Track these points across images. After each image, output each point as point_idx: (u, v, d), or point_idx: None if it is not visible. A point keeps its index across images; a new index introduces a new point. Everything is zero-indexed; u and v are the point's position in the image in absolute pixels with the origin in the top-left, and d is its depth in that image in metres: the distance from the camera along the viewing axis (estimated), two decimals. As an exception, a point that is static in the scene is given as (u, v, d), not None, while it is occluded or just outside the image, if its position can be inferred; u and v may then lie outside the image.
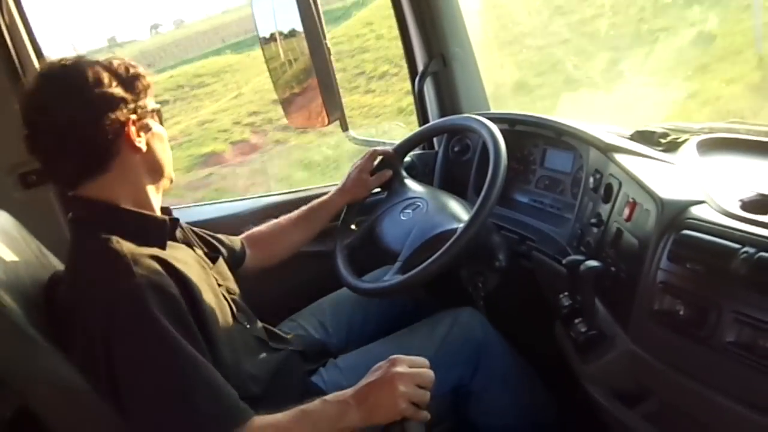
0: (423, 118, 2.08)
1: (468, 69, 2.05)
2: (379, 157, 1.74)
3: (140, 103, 1.21)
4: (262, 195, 2.27)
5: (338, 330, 1.63)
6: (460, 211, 1.53)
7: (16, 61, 1.71)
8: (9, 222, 1.30)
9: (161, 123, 1.28)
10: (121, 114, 1.16)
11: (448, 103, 2.05)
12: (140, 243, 1.15)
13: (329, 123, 1.79)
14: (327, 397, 1.12)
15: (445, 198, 1.60)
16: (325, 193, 2.02)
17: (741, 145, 1.33)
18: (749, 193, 1.07)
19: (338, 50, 11.43)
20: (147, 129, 1.22)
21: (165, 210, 1.30)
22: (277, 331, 1.49)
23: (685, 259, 1.03)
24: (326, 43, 1.72)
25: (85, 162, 1.17)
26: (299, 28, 1.68)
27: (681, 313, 1.02)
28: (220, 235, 1.53)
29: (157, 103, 1.27)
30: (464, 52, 2.02)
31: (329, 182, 2.03)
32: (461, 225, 1.42)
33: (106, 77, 1.16)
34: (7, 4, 1.68)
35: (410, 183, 1.71)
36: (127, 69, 1.21)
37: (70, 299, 1.13)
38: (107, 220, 1.17)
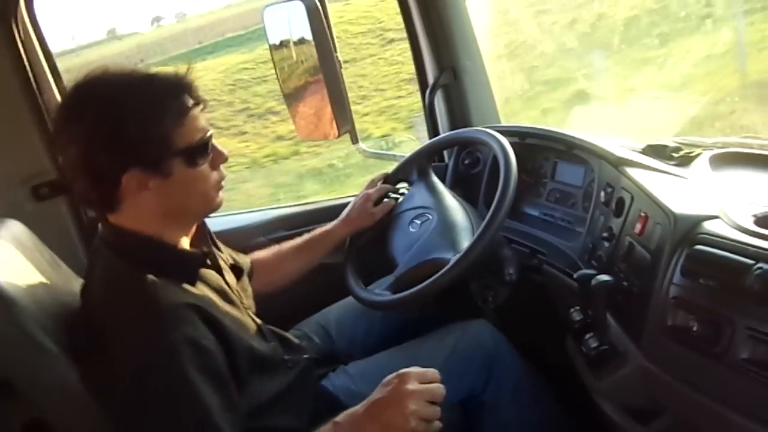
0: (433, 130, 2.08)
1: (478, 82, 2.05)
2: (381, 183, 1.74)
3: (162, 143, 1.10)
4: (271, 207, 2.27)
5: (341, 338, 1.63)
6: (462, 236, 1.51)
7: (31, 75, 1.72)
8: (23, 232, 1.31)
9: (204, 155, 1.15)
10: (116, 166, 1.09)
11: (459, 115, 2.05)
12: (172, 278, 1.13)
13: (339, 136, 1.79)
14: (338, 419, 1.11)
15: (454, 215, 1.58)
16: (334, 207, 2.03)
17: (754, 160, 1.33)
18: (762, 209, 1.07)
19: (238, 78, 11.02)
20: (164, 175, 1.11)
21: (201, 226, 1.28)
22: (291, 338, 1.48)
23: (698, 274, 1.02)
24: (337, 56, 1.73)
25: (93, 202, 1.17)
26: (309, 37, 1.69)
27: (694, 329, 1.01)
28: (233, 252, 1.52)
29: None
30: (475, 65, 2.02)
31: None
32: (453, 258, 1.42)
33: (127, 113, 1.08)
34: (22, 18, 1.70)
35: (426, 189, 1.70)
36: (170, 86, 1.12)
37: (97, 326, 1.10)
38: (140, 251, 1.15)
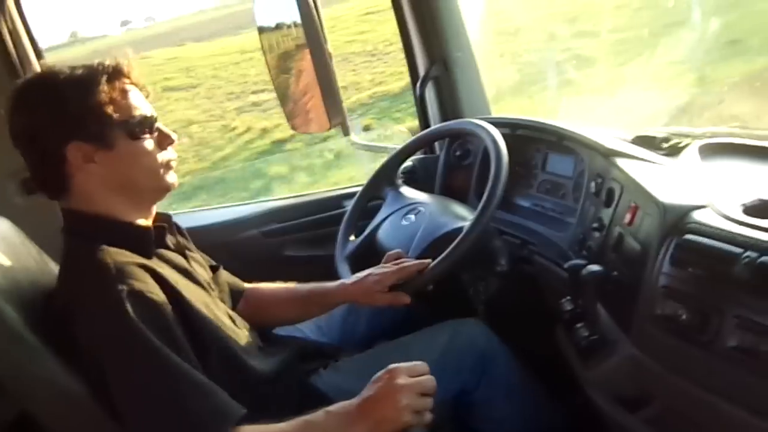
0: (424, 122, 2.09)
1: (469, 73, 2.05)
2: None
3: (99, 115, 1.15)
4: (264, 200, 2.27)
5: (332, 330, 1.63)
6: (463, 211, 1.54)
7: (18, 65, 1.71)
8: (9, 228, 1.30)
9: (146, 131, 1.20)
10: (59, 139, 1.14)
11: (450, 107, 2.06)
12: (127, 250, 1.15)
13: (331, 127, 1.79)
14: (330, 408, 1.11)
15: (445, 201, 1.60)
16: (327, 199, 2.03)
17: (743, 150, 1.33)
18: (751, 198, 1.07)
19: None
20: (107, 146, 1.16)
21: (163, 216, 1.30)
22: (272, 334, 1.49)
23: (687, 263, 1.03)
24: (327, 48, 1.72)
25: (45, 181, 1.20)
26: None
27: (683, 317, 1.01)
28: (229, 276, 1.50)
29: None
30: (465, 57, 2.03)
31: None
32: (467, 223, 1.42)
33: (65, 90, 1.14)
34: (8, 9, 1.69)
35: (407, 190, 1.71)
36: (107, 68, 1.18)
37: (63, 308, 1.13)
38: (94, 230, 1.18)
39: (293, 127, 1.94)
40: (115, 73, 1.19)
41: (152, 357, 1.04)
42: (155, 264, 1.18)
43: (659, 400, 1.13)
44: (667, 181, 1.24)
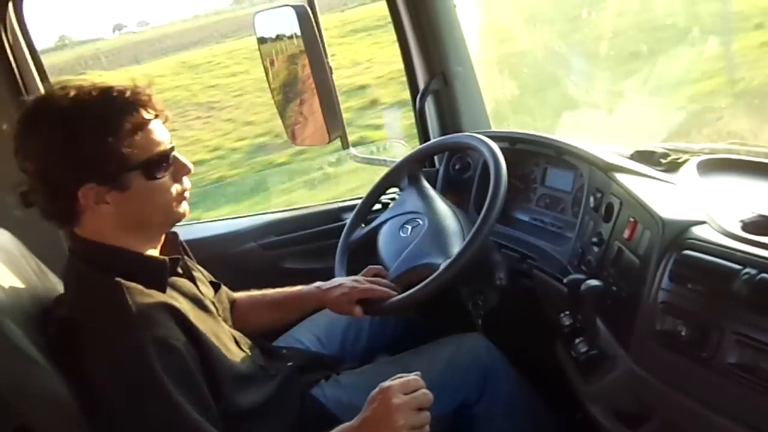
0: (424, 136, 2.09)
1: (469, 87, 2.05)
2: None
3: (117, 157, 1.09)
4: (262, 213, 2.27)
5: (332, 342, 1.63)
6: (452, 241, 1.50)
7: (20, 80, 1.72)
8: (9, 240, 1.30)
9: (163, 167, 1.15)
10: (71, 180, 1.09)
11: (449, 121, 2.06)
12: (141, 284, 1.12)
13: (330, 141, 1.79)
14: None
15: (444, 220, 1.57)
16: (324, 212, 2.03)
17: (741, 166, 1.34)
18: (750, 214, 1.07)
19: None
20: (121, 188, 1.11)
21: (170, 235, 1.27)
22: (274, 348, 1.49)
23: (686, 279, 1.03)
24: (328, 62, 1.73)
25: (54, 214, 1.15)
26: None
27: (682, 333, 1.01)
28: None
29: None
30: (465, 71, 2.03)
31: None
32: (444, 263, 1.41)
33: (80, 128, 1.07)
34: (11, 23, 1.69)
35: (420, 192, 1.70)
36: (126, 100, 1.10)
37: (73, 332, 1.11)
38: (105, 259, 1.15)
39: (293, 141, 1.95)
40: (135, 104, 1.12)
41: (171, 413, 1.03)
42: (170, 297, 1.16)
43: (659, 416, 1.13)
44: (666, 197, 1.24)
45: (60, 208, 1.13)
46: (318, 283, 1.52)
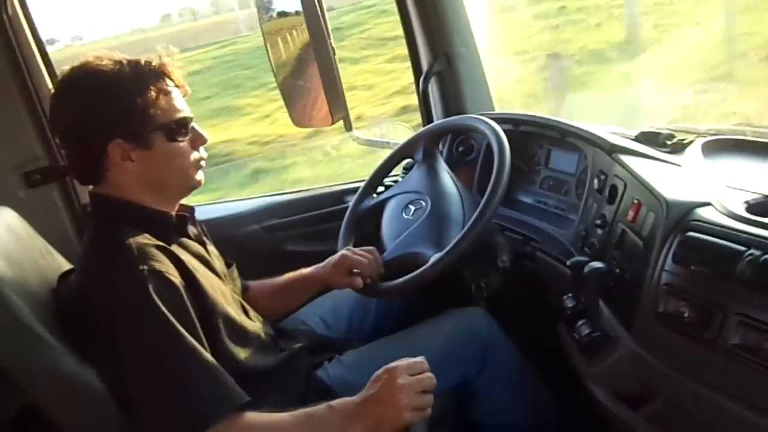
0: (427, 118, 2.08)
1: (473, 69, 2.04)
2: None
3: (143, 116, 1.20)
4: (265, 195, 2.27)
5: (338, 325, 1.64)
6: (450, 231, 1.50)
7: (21, 61, 1.72)
8: (15, 219, 1.30)
9: (183, 133, 1.25)
10: (103, 135, 1.18)
11: (453, 103, 2.05)
12: (149, 233, 1.19)
13: (333, 123, 1.78)
14: (333, 403, 1.13)
15: (448, 206, 1.56)
16: (327, 194, 2.03)
17: (746, 147, 1.33)
18: (755, 196, 1.07)
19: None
20: (145, 146, 1.21)
21: (186, 208, 1.35)
22: (285, 328, 1.52)
23: (690, 261, 1.03)
24: (330, 42, 1.72)
25: (82, 170, 1.26)
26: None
27: (686, 315, 1.01)
28: None
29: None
30: (469, 52, 2.02)
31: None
32: (433, 257, 1.42)
33: (115, 87, 1.19)
34: (13, 6, 1.69)
35: (427, 173, 1.69)
36: (154, 68, 1.22)
37: (77, 287, 1.18)
38: (119, 212, 1.23)
39: (296, 123, 1.94)
40: (161, 73, 1.23)
41: (167, 332, 1.08)
42: (175, 249, 1.22)
43: (661, 398, 1.13)
44: (670, 178, 1.24)
45: (88, 164, 1.23)
46: (317, 265, 1.56)
